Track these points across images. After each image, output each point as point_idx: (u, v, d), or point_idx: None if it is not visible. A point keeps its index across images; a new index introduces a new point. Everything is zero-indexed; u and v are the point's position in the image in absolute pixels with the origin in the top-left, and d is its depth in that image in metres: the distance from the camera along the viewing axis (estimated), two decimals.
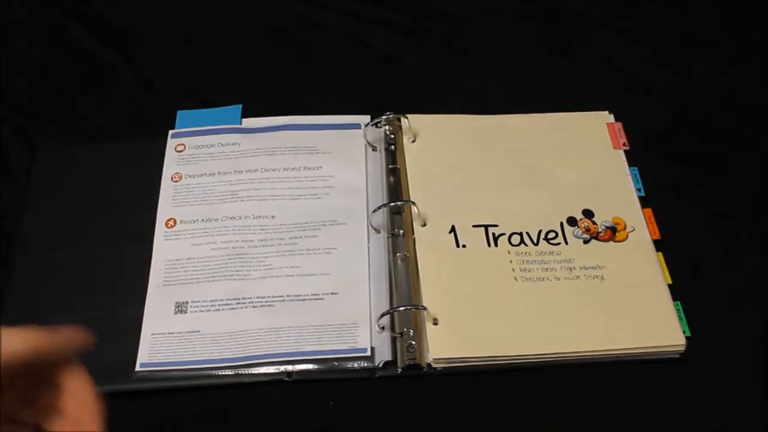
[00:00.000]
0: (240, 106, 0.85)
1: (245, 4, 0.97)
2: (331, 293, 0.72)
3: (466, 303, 0.70)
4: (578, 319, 0.70)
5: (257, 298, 0.71)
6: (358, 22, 0.95)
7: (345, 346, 0.68)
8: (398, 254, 0.74)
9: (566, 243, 0.75)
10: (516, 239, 0.75)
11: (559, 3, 0.98)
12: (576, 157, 0.81)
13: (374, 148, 0.82)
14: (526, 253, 0.74)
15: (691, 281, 0.73)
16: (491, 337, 0.68)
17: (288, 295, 0.71)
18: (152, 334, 0.69)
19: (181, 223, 0.76)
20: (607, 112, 0.85)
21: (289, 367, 0.68)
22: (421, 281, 0.71)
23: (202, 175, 0.79)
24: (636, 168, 0.80)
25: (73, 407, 0.44)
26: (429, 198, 0.77)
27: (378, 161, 0.81)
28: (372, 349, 0.68)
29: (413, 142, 0.82)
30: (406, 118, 0.81)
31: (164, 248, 0.75)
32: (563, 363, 0.68)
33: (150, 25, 0.95)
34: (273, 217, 0.76)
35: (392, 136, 0.82)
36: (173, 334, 0.69)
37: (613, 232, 0.76)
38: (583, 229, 0.76)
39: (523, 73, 0.91)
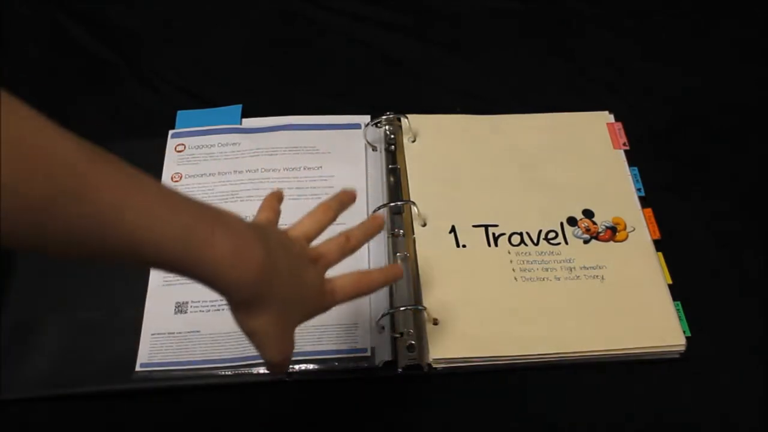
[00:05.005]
0: (240, 106, 0.85)
1: (245, 4, 0.97)
2: None
3: (466, 303, 0.70)
4: (578, 319, 0.70)
5: None
6: (358, 22, 0.95)
7: (345, 346, 0.68)
8: (398, 254, 0.74)
9: (566, 243, 0.75)
10: (516, 239, 0.75)
11: (559, 3, 0.98)
12: (576, 157, 0.81)
13: (374, 148, 0.82)
14: (526, 253, 0.74)
15: (691, 281, 0.73)
16: (491, 337, 0.68)
17: None
18: (152, 334, 0.69)
19: None
20: (607, 112, 0.85)
21: (289, 367, 0.68)
22: (421, 281, 0.71)
23: (202, 175, 0.79)
24: (636, 168, 0.80)
25: None
26: (429, 198, 0.76)
27: (378, 161, 0.81)
28: (372, 349, 0.68)
29: (413, 142, 0.82)
30: (406, 118, 0.81)
31: None
32: (563, 363, 0.68)
33: (150, 25, 0.95)
34: None
35: (392, 136, 0.82)
36: (173, 334, 0.69)
37: (613, 232, 0.76)
38: (583, 229, 0.76)
39: (522, 72, 0.91)
